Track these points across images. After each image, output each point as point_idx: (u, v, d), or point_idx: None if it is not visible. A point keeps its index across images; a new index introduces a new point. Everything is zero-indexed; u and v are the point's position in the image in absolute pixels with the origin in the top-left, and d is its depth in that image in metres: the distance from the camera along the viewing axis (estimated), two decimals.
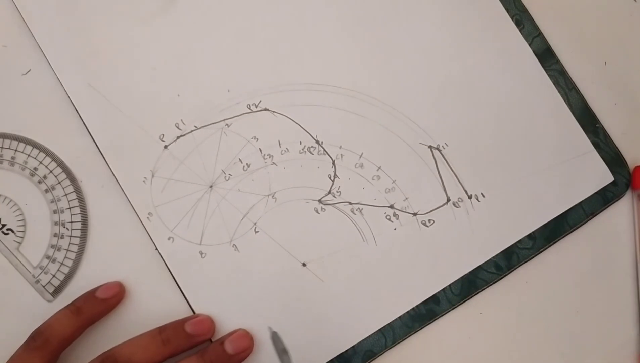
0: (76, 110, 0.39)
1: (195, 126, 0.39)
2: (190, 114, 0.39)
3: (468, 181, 0.39)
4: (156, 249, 0.38)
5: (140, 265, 0.39)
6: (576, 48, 0.41)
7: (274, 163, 0.39)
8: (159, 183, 0.39)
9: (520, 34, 0.40)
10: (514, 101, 0.40)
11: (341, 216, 0.39)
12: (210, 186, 0.39)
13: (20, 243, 0.39)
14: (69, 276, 0.38)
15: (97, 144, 0.39)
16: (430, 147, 0.39)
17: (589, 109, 0.40)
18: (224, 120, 0.39)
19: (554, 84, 0.40)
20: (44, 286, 0.38)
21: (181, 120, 0.39)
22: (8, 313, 0.38)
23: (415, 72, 0.40)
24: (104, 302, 0.37)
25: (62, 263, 0.38)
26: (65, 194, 0.39)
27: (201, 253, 0.38)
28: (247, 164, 0.39)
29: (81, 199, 0.39)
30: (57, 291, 0.38)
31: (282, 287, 0.38)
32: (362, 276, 0.38)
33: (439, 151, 0.39)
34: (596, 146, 0.40)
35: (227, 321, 0.38)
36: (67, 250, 0.38)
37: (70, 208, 0.39)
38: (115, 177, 0.39)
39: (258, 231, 0.39)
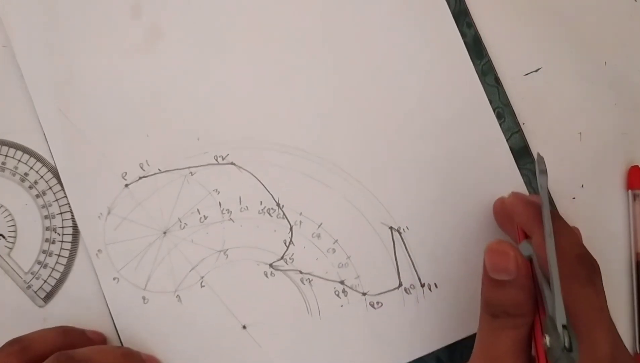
0: (43, 133, 0.39)
1: (159, 169, 0.39)
2: (156, 156, 0.39)
3: (423, 269, 0.38)
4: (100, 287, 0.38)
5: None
6: (576, 48, 0.40)
7: (231, 219, 0.38)
8: (113, 220, 0.38)
9: (499, 127, 0.39)
10: (483, 194, 0.39)
11: (290, 283, 0.38)
12: (164, 233, 0.38)
13: (11, 248, 0.38)
14: (60, 281, 0.38)
15: (59, 170, 0.39)
16: (391, 228, 0.39)
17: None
18: (189, 168, 0.39)
19: (526, 184, 0.39)
20: (35, 292, 0.38)
21: (146, 161, 0.39)
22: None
23: (388, 151, 0.39)
24: (89, 341, 0.37)
25: (53, 269, 0.38)
26: (57, 200, 0.39)
27: (144, 298, 0.38)
28: (204, 216, 0.38)
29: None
30: (48, 296, 0.38)
31: (218, 346, 0.38)
32: (299, 348, 0.38)
33: (400, 233, 0.39)
34: None
35: None
36: (59, 255, 0.38)
37: (61, 213, 0.39)
38: (70, 207, 0.38)
39: (204, 286, 0.38)
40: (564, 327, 0.28)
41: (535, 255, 0.31)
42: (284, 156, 0.39)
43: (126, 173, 0.39)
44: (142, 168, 0.39)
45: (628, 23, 0.41)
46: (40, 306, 0.38)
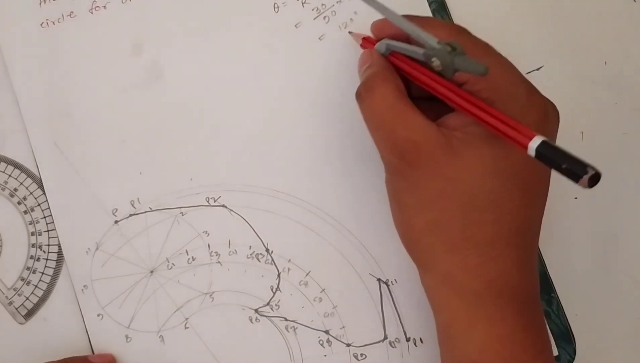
0: (37, 165, 0.39)
1: (150, 208, 0.39)
2: (148, 194, 0.39)
3: (410, 323, 0.38)
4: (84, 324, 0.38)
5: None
6: (576, 48, 0.40)
7: (219, 262, 0.38)
8: (101, 256, 0.38)
9: None
10: None
11: (274, 330, 0.38)
12: (151, 272, 0.38)
13: None
14: (42, 299, 0.38)
15: (50, 203, 0.39)
16: (379, 280, 0.38)
17: (547, 275, 0.39)
18: (180, 208, 0.39)
19: None
20: (16, 309, 0.38)
21: (137, 198, 0.39)
22: None
23: (380, 203, 0.39)
24: None
25: (36, 286, 0.38)
26: (44, 217, 0.39)
27: (127, 337, 0.38)
28: (192, 257, 0.38)
29: None
30: (29, 314, 0.38)
31: None
32: None
33: (388, 286, 0.38)
34: (547, 315, 0.38)
35: None
36: (42, 273, 0.38)
37: (48, 230, 0.39)
38: (59, 240, 0.38)
39: (188, 328, 0.38)
40: (438, 42, 0.28)
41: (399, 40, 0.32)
42: (276, 201, 0.39)
43: (117, 209, 0.38)
44: (133, 205, 0.39)
45: (628, 23, 0.41)
46: (20, 323, 0.38)
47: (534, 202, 0.31)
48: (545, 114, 0.30)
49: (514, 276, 0.30)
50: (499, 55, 0.31)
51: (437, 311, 0.32)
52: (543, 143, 0.26)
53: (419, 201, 0.31)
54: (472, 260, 0.30)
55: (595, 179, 0.24)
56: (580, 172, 0.24)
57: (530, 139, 0.26)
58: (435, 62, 0.29)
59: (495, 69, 0.29)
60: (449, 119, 0.31)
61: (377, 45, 0.34)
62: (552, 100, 0.39)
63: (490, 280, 0.30)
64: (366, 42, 0.35)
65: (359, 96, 0.32)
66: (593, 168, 0.24)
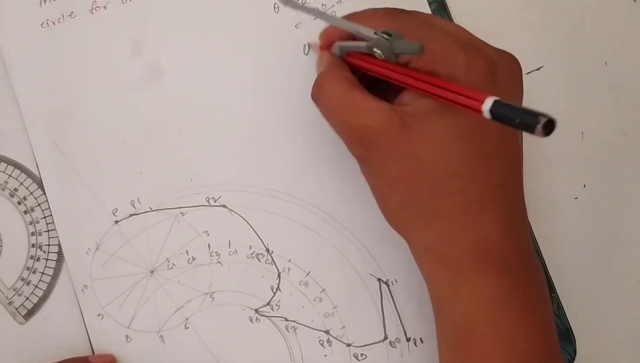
0: (37, 165, 0.39)
1: (150, 208, 0.39)
2: (148, 194, 0.39)
3: (410, 323, 0.38)
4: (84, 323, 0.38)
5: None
6: (576, 48, 0.40)
7: (219, 262, 0.38)
8: (101, 256, 0.38)
9: None
10: None
11: (275, 330, 0.38)
12: (152, 272, 0.38)
13: None
14: (42, 299, 0.38)
15: (49, 203, 0.39)
16: (379, 280, 0.38)
17: (547, 275, 0.39)
18: (180, 208, 0.39)
19: None
20: (16, 309, 0.38)
21: (137, 198, 0.39)
22: None
23: None
24: None
25: (36, 286, 0.38)
26: (44, 217, 0.39)
27: (127, 337, 0.38)
28: (192, 257, 0.38)
29: None
30: (29, 314, 0.38)
31: None
32: None
33: (388, 286, 0.38)
34: None
35: None
36: (42, 273, 0.38)
37: (48, 230, 0.39)
38: (59, 240, 0.38)
39: (188, 328, 0.38)
40: (375, 33, 0.30)
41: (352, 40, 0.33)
42: (277, 201, 0.39)
43: (117, 209, 0.39)
44: (133, 205, 0.39)
45: (628, 23, 0.41)
46: (20, 323, 0.38)
47: (502, 163, 0.31)
48: (491, 73, 0.30)
49: (494, 239, 0.30)
50: (438, 25, 0.31)
51: (425, 279, 0.33)
52: (495, 103, 0.25)
53: (386, 183, 0.31)
54: (446, 230, 0.30)
55: (549, 126, 0.23)
56: (533, 122, 0.23)
57: (482, 102, 0.25)
58: (377, 52, 0.30)
59: (433, 42, 0.30)
60: (403, 96, 0.31)
61: (332, 49, 0.35)
62: (552, 100, 0.39)
63: (468, 246, 0.30)
64: (323, 49, 0.36)
65: (312, 97, 0.33)
66: (545, 116, 0.23)
